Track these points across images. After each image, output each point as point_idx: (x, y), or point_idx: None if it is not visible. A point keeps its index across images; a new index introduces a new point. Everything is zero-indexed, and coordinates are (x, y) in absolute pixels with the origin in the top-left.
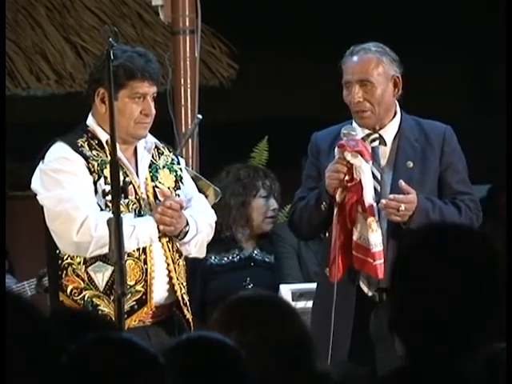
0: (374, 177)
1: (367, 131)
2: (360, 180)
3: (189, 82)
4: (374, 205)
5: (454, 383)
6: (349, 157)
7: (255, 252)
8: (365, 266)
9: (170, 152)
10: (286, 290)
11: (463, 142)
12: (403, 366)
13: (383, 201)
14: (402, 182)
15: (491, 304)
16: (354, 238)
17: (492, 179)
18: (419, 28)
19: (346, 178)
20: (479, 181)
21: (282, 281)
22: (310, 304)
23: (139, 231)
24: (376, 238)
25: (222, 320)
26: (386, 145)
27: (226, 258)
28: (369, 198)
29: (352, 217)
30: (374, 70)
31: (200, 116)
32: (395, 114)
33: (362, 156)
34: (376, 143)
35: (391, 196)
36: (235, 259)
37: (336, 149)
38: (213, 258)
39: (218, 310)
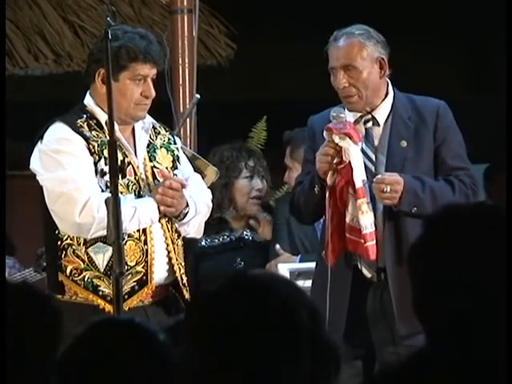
0: (369, 158)
1: (359, 113)
2: (349, 162)
3: (187, 61)
4: (366, 186)
5: (475, 371)
6: (337, 139)
7: (245, 233)
8: (358, 247)
9: (167, 132)
10: (284, 269)
11: (463, 122)
12: (423, 350)
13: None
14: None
15: None
16: (347, 220)
17: (491, 159)
18: (419, 9)
19: (336, 160)
20: (478, 160)
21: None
22: (308, 283)
23: (140, 213)
24: (367, 220)
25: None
26: (379, 125)
27: (216, 240)
28: (358, 179)
29: (343, 199)
30: (357, 55)
31: (198, 95)
32: (387, 94)
33: (350, 138)
34: (369, 124)
35: (374, 179)
36: (226, 241)
37: (324, 132)
38: (204, 240)
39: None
